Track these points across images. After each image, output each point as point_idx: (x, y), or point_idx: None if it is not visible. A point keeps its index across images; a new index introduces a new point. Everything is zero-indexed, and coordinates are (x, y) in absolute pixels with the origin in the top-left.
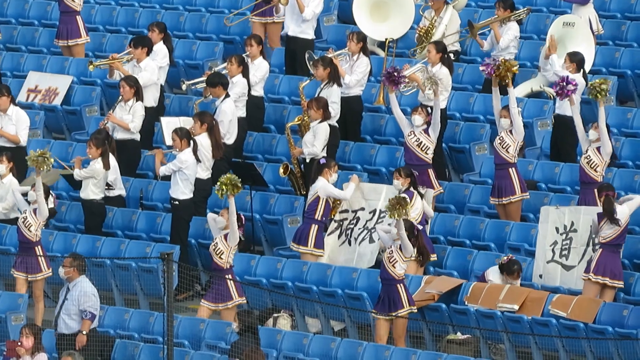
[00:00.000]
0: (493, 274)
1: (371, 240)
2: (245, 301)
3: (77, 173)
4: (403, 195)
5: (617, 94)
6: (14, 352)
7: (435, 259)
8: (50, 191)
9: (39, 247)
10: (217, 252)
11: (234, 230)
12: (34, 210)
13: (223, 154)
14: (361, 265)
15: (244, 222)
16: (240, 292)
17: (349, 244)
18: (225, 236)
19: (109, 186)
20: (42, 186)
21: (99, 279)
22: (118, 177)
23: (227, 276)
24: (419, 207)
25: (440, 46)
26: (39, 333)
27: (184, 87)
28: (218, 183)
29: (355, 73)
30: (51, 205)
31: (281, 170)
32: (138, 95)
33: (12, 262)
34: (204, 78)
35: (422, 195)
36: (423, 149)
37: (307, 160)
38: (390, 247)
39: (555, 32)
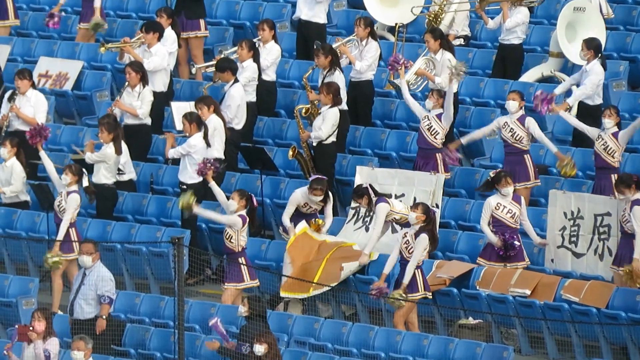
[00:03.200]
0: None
1: (394, 230)
2: (257, 284)
3: (89, 156)
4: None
5: (628, 79)
6: (25, 336)
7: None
8: (84, 170)
9: (74, 228)
10: (227, 237)
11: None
12: (68, 194)
13: (231, 138)
14: (379, 252)
15: (256, 205)
16: (252, 275)
17: (366, 230)
18: None
19: (119, 171)
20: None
21: (109, 263)
22: (128, 161)
23: (239, 259)
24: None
25: (437, 33)
26: (51, 317)
27: (193, 70)
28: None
29: (366, 59)
30: (86, 184)
31: (290, 153)
32: (144, 80)
33: (24, 247)
34: (214, 62)
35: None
36: (432, 133)
37: (315, 144)
38: (405, 234)
39: (566, 17)
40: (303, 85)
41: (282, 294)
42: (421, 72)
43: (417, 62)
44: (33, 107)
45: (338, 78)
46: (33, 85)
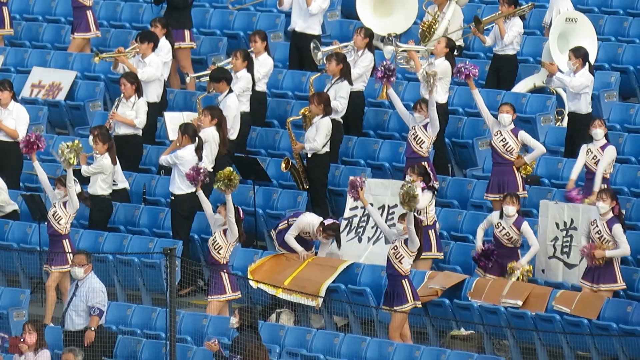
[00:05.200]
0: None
1: (387, 241)
2: (239, 296)
3: (85, 169)
4: (409, 184)
5: (619, 90)
6: (16, 348)
7: (441, 257)
8: (74, 178)
9: (67, 240)
10: (215, 247)
11: (232, 227)
12: (64, 203)
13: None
14: (372, 263)
15: (242, 217)
16: (234, 287)
17: (359, 240)
18: (225, 231)
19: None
20: (72, 179)
21: (101, 274)
22: (119, 171)
23: (222, 271)
24: (434, 205)
25: (451, 43)
26: (42, 329)
27: (188, 80)
28: (215, 177)
29: (358, 67)
30: (78, 190)
31: (283, 166)
32: (139, 91)
33: (15, 258)
34: (208, 72)
35: (435, 192)
36: (418, 142)
37: (309, 156)
38: (395, 241)
39: (558, 27)
40: (296, 96)
41: (250, 279)
42: (412, 54)
43: (418, 46)
44: (15, 120)
45: (345, 87)
46: (14, 97)
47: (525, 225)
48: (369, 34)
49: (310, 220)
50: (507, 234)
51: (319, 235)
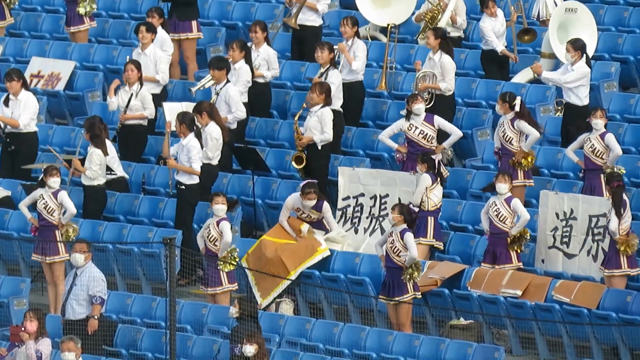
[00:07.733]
0: None
1: (382, 231)
2: (236, 288)
3: (89, 174)
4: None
5: (619, 80)
6: (17, 337)
7: (439, 246)
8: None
9: (59, 230)
10: (211, 239)
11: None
12: (54, 195)
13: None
14: (371, 253)
15: (236, 205)
16: (231, 278)
17: (355, 232)
18: (218, 223)
19: (110, 171)
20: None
21: (101, 263)
22: (115, 158)
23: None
24: (440, 193)
25: (440, 32)
26: (43, 318)
27: (193, 89)
28: None
29: (359, 58)
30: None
31: (295, 164)
32: (141, 80)
33: (16, 247)
34: (208, 78)
35: (443, 181)
36: (428, 140)
37: (320, 148)
38: (391, 234)
39: (557, 18)
40: (295, 86)
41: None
42: (425, 86)
43: (418, 75)
44: (21, 109)
45: (336, 76)
46: (25, 86)
47: (516, 201)
48: (356, 22)
49: (291, 197)
50: (497, 210)
51: (305, 202)
